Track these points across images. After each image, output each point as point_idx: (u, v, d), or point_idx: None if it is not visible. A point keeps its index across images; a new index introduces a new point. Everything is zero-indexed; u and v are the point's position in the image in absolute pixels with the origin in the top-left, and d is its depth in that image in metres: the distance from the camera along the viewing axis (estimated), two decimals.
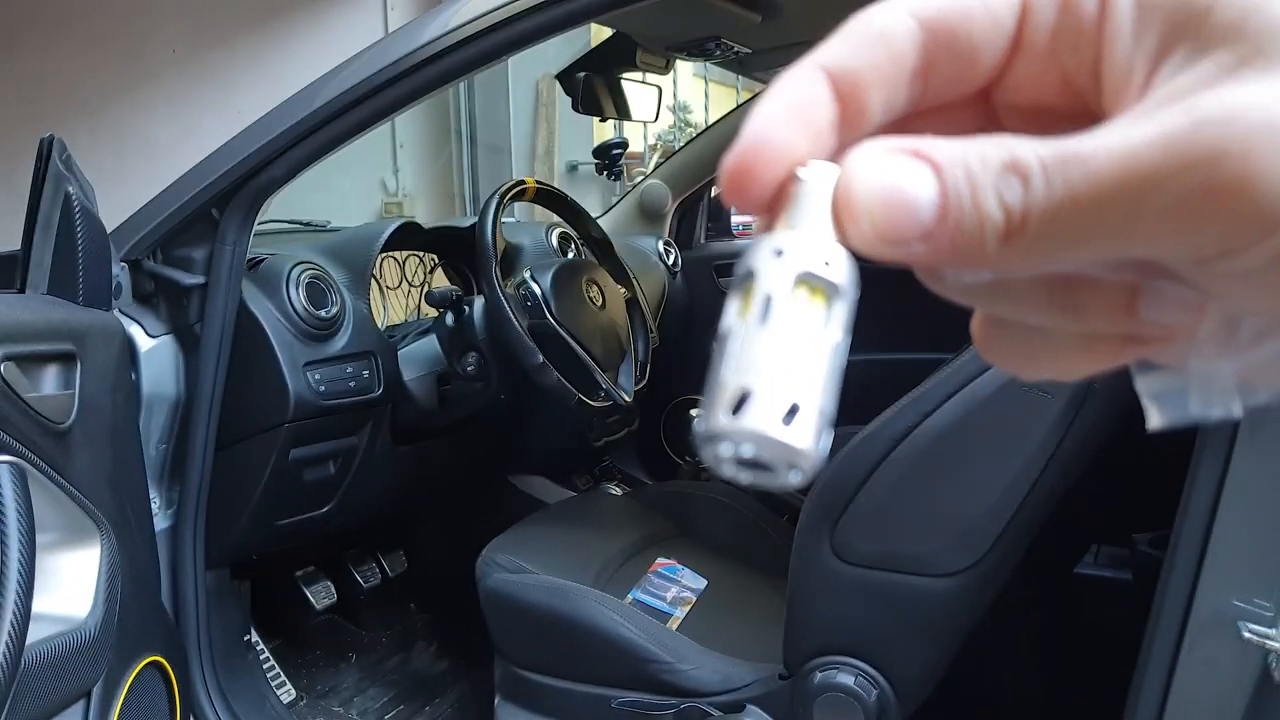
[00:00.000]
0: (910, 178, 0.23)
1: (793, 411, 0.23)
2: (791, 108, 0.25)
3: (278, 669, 1.81)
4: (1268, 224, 0.21)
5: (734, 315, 0.25)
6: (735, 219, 2.62)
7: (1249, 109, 0.21)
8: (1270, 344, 0.25)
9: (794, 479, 0.24)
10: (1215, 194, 0.21)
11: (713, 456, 0.24)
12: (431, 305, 1.84)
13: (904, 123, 0.27)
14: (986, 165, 0.23)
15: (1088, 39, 0.25)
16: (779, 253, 0.25)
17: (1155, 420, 0.28)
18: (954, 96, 0.27)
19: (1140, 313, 0.25)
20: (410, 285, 1.97)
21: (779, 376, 0.24)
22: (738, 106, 2.44)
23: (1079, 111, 0.26)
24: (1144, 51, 0.24)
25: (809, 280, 0.24)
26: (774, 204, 0.26)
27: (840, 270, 0.25)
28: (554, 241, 2.05)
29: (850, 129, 0.26)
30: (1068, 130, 0.24)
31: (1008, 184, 0.23)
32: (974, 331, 0.29)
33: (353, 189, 3.81)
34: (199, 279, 1.46)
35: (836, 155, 0.25)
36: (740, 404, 0.23)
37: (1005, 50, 0.26)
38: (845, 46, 0.26)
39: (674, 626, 1.54)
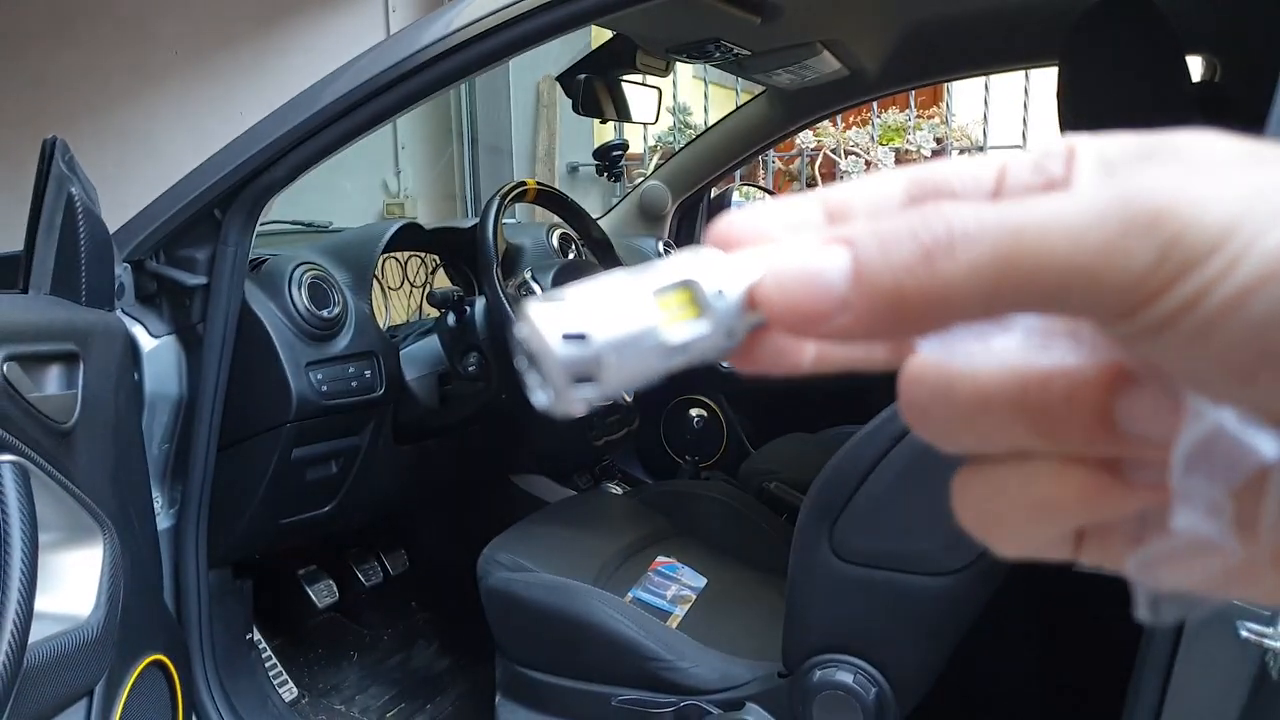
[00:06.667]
0: (822, 258, 0.24)
1: (579, 337, 0.25)
2: (777, 208, 0.27)
3: (280, 667, 1.82)
4: (1189, 255, 0.21)
5: (643, 268, 0.26)
6: None
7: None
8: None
9: (540, 396, 0.26)
10: (1135, 222, 0.21)
11: (516, 344, 0.26)
12: (433, 305, 1.84)
13: None
14: (899, 224, 0.24)
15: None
16: (696, 252, 0.26)
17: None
18: None
19: (1118, 421, 0.24)
20: (412, 286, 1.97)
21: (614, 343, 0.25)
22: (737, 108, 2.43)
23: None
24: None
25: (688, 288, 0.26)
26: None
27: (726, 306, 0.26)
28: (555, 242, 2.06)
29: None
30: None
31: (925, 225, 0.23)
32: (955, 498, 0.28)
33: (354, 190, 3.81)
34: (201, 279, 1.46)
35: None
36: (572, 339, 0.25)
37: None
38: (837, 189, 0.28)
39: (674, 625, 1.54)
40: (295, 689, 1.83)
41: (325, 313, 1.61)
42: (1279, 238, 0.20)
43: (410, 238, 1.90)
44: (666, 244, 2.42)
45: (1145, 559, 0.25)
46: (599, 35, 2.59)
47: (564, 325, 0.25)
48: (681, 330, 0.26)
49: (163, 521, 1.48)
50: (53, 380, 1.12)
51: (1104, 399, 0.24)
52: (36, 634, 0.98)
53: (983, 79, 4.19)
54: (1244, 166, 0.22)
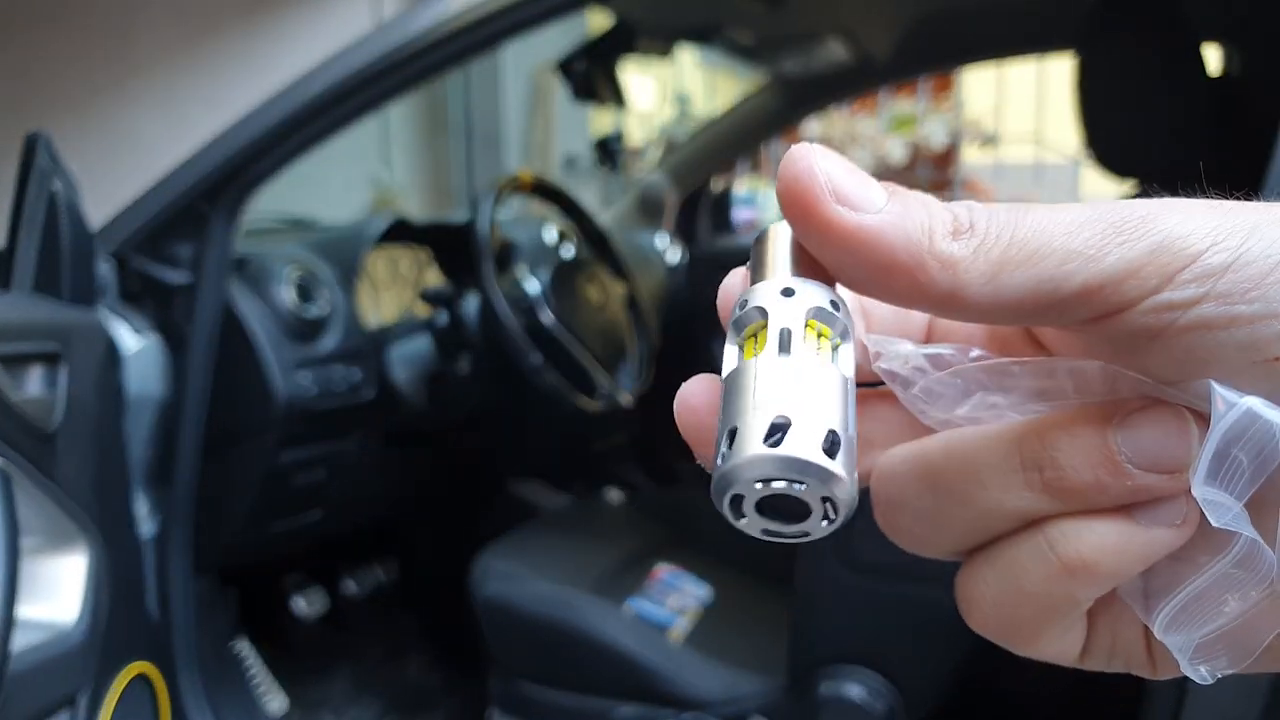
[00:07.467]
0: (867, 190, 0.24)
1: (833, 440, 0.22)
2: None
3: (267, 678, 1.78)
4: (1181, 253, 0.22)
5: (740, 356, 0.24)
6: (737, 216, 2.58)
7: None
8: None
9: (821, 525, 0.23)
10: (1130, 224, 0.22)
11: (733, 498, 0.22)
12: (425, 302, 1.81)
13: None
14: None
15: None
16: (788, 292, 0.24)
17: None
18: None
19: (1125, 453, 0.23)
20: (403, 282, 1.94)
21: (814, 405, 0.22)
22: (743, 100, 2.40)
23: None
24: None
25: (819, 318, 0.24)
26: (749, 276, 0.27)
27: (844, 311, 0.25)
28: (551, 237, 2.02)
29: None
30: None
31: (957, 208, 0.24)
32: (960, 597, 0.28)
33: (343, 183, 3.78)
34: (186, 277, 1.43)
35: None
36: (775, 434, 0.21)
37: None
38: None
39: (675, 635, 1.51)
40: (283, 700, 1.79)
41: (312, 312, 1.58)
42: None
43: (401, 233, 1.87)
44: (668, 239, 2.38)
45: (1171, 611, 0.25)
46: (596, 22, 2.57)
47: (807, 443, 0.22)
48: (845, 359, 0.25)
49: (147, 527, 1.45)
50: (34, 381, 1.10)
51: (1107, 431, 0.23)
52: (18, 643, 0.97)
53: (995, 68, 4.17)
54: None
